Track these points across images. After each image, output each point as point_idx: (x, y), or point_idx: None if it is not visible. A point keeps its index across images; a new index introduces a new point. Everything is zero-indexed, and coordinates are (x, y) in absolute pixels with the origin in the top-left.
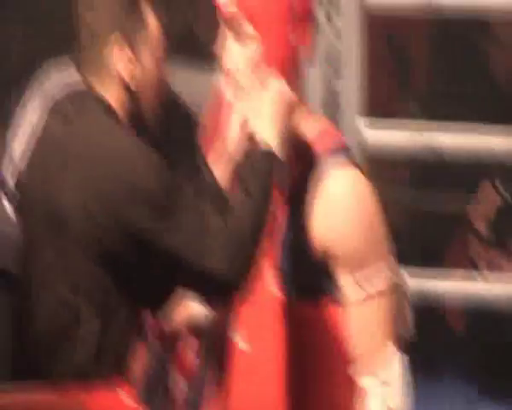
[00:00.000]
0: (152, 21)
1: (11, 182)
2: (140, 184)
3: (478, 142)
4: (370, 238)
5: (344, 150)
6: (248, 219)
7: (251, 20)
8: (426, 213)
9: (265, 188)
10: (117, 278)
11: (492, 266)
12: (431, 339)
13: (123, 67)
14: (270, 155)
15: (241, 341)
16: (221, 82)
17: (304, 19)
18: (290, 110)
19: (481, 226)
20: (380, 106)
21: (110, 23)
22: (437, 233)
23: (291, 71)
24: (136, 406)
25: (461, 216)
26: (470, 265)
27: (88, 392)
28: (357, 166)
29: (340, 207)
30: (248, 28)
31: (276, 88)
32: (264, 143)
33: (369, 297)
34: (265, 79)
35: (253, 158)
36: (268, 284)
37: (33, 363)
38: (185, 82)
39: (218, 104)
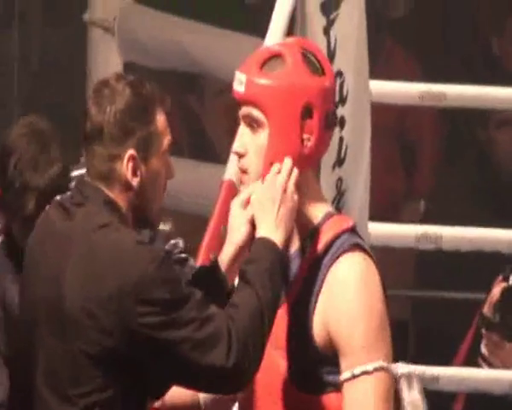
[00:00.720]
0: (161, 124)
1: None
2: (142, 282)
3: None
4: (373, 326)
5: (354, 235)
6: (253, 313)
7: (263, 107)
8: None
9: (269, 280)
10: (121, 378)
11: (498, 351)
12: None
13: (134, 177)
14: (272, 247)
15: None
16: (231, 174)
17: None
18: (294, 201)
19: (489, 312)
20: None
21: (125, 140)
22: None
23: (301, 165)
24: None
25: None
26: (482, 360)
27: None
28: (366, 251)
29: (350, 291)
30: (259, 114)
31: (282, 183)
32: (265, 235)
33: (359, 377)
34: (273, 173)
35: (256, 250)
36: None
37: None
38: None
39: (226, 196)
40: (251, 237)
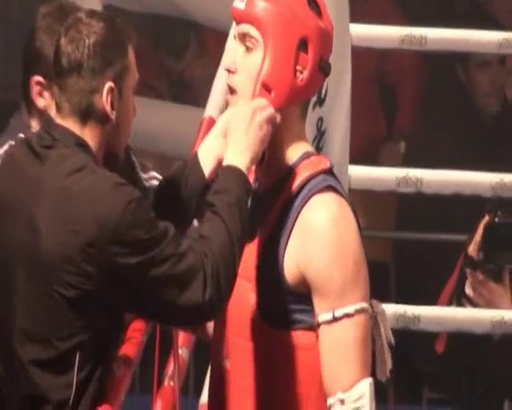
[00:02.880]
0: (133, 60)
1: None
2: (120, 225)
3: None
4: (348, 267)
5: (330, 176)
6: (224, 247)
7: (260, 28)
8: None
9: (238, 211)
10: (100, 319)
11: (482, 289)
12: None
13: (112, 110)
14: (238, 175)
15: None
16: (212, 111)
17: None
18: (269, 131)
19: (473, 252)
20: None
21: (105, 72)
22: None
23: (287, 96)
24: None
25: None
26: (466, 300)
27: None
28: (340, 193)
29: (320, 233)
30: (256, 34)
31: (262, 105)
32: (232, 159)
33: (340, 320)
34: (257, 95)
35: (223, 179)
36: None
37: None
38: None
39: (206, 132)
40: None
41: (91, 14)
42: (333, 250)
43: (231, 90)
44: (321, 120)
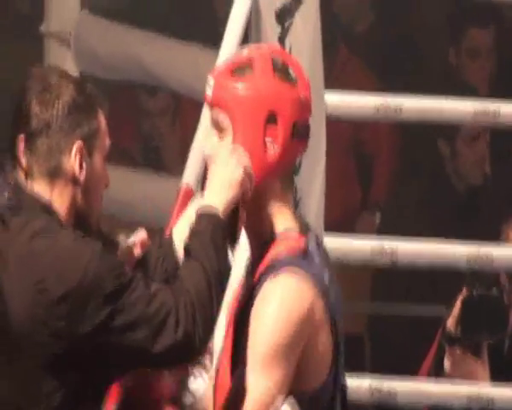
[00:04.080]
0: (103, 123)
1: None
2: (86, 280)
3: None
4: (274, 348)
5: (298, 258)
6: (199, 284)
7: (227, 112)
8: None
9: (214, 250)
10: (72, 379)
11: (460, 364)
12: None
13: (81, 171)
14: (213, 215)
15: None
16: (189, 179)
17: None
18: (245, 187)
19: (451, 326)
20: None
21: (73, 133)
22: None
23: (261, 171)
24: None
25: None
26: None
27: None
28: (304, 275)
29: (261, 311)
30: (224, 119)
31: (239, 150)
32: (208, 200)
33: None
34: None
35: (198, 222)
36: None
37: None
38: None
39: (184, 201)
40: None
41: (62, 76)
42: (266, 328)
43: None
44: (295, 188)
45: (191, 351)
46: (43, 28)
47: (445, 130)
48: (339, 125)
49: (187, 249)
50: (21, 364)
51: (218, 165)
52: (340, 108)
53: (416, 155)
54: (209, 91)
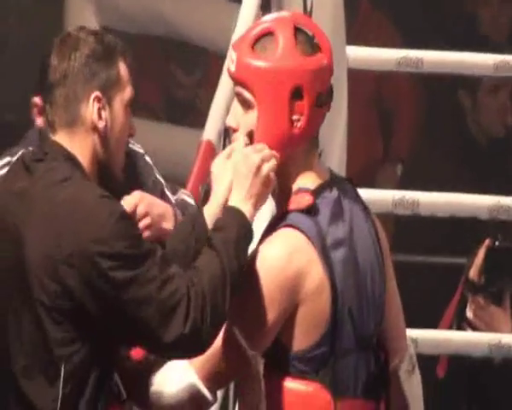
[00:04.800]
0: (124, 74)
1: None
2: (101, 237)
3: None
4: (252, 302)
5: (302, 216)
6: (213, 279)
7: (252, 89)
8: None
9: (235, 249)
10: (88, 331)
11: (482, 313)
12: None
13: (99, 119)
14: (240, 218)
15: None
16: (210, 135)
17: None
18: (263, 182)
19: (474, 276)
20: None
21: (91, 82)
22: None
23: (286, 145)
24: None
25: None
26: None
27: None
28: (301, 231)
29: (253, 263)
30: (249, 96)
31: (269, 156)
32: (236, 203)
33: None
34: (247, 151)
35: (225, 218)
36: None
37: None
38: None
39: (204, 155)
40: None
41: (81, 29)
42: (250, 284)
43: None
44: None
45: (197, 345)
46: None
47: (467, 81)
48: (361, 80)
49: (209, 241)
50: (35, 310)
51: (248, 173)
52: (362, 61)
53: (438, 108)
54: (232, 67)
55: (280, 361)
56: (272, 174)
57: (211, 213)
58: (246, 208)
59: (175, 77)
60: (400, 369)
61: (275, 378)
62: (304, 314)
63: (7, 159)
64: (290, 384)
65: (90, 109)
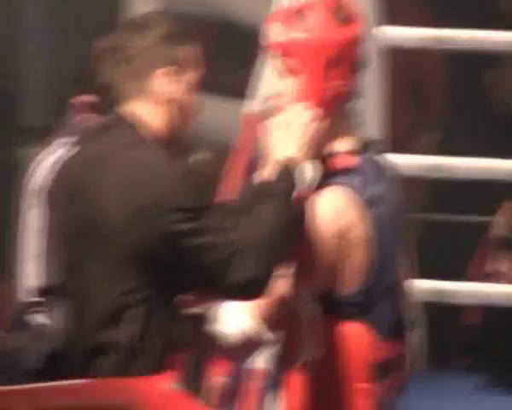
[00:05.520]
0: (193, 53)
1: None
2: (171, 193)
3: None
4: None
5: (346, 174)
6: (271, 228)
7: (293, 58)
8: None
9: (287, 199)
10: (158, 278)
11: (509, 266)
12: (446, 333)
13: (167, 92)
14: (289, 168)
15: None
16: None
17: (346, 66)
18: (313, 135)
19: (498, 231)
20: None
21: (161, 58)
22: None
23: (325, 109)
24: (182, 392)
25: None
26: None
27: (134, 382)
28: (350, 192)
29: (316, 222)
30: (292, 63)
31: (303, 114)
32: (285, 159)
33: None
34: (300, 108)
35: (280, 169)
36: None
37: (82, 363)
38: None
39: (251, 127)
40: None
41: (156, 12)
42: (309, 236)
43: (281, 109)
44: (360, 111)
45: (256, 288)
46: None
47: (489, 58)
48: (397, 57)
49: (266, 192)
50: (113, 258)
51: (300, 127)
52: (396, 39)
53: (467, 80)
54: (273, 38)
55: (330, 305)
56: (320, 129)
57: (268, 171)
58: (299, 159)
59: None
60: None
61: (325, 320)
62: (350, 263)
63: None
64: (338, 325)
65: (159, 82)
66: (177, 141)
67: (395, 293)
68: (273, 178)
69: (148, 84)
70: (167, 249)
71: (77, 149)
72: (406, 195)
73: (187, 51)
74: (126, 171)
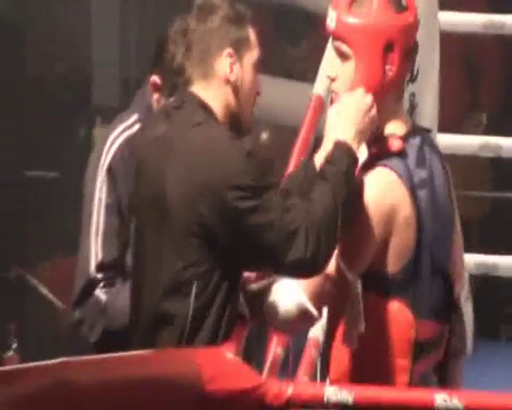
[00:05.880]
0: (252, 36)
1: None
2: (232, 171)
3: None
4: (355, 232)
5: (393, 158)
6: (328, 208)
7: (350, 43)
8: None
9: (345, 182)
10: (218, 254)
11: None
12: (493, 306)
13: (231, 73)
14: (350, 153)
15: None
16: (319, 90)
17: (398, 52)
18: (370, 121)
19: None
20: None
21: (224, 40)
22: None
23: (379, 92)
24: (240, 362)
25: None
26: None
27: (195, 352)
28: (394, 171)
29: (362, 202)
30: (347, 49)
31: (362, 100)
32: (345, 140)
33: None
34: (357, 93)
35: (336, 152)
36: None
37: (145, 335)
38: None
39: (315, 108)
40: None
41: None
42: (355, 216)
43: (334, 93)
44: (413, 94)
45: (314, 267)
46: None
47: None
48: (451, 41)
49: (323, 173)
50: (174, 234)
51: (356, 113)
52: (452, 25)
53: None
54: (332, 24)
55: (374, 283)
56: (376, 115)
57: (325, 153)
58: (354, 143)
59: (283, 49)
60: (461, 295)
61: (369, 298)
62: (395, 243)
63: (125, 124)
64: (381, 302)
65: (224, 64)
66: (239, 121)
67: (445, 274)
68: (330, 160)
69: (212, 66)
70: (228, 226)
71: (146, 129)
72: (462, 174)
73: (247, 33)
74: (191, 149)
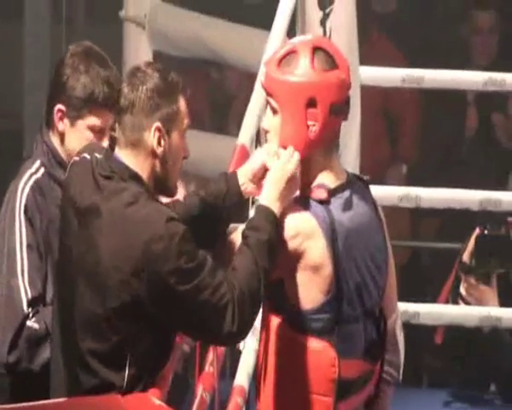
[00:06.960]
0: (182, 106)
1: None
2: (166, 255)
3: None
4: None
5: (317, 204)
6: (250, 277)
7: (276, 99)
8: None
9: (267, 250)
10: (146, 325)
11: (474, 291)
12: (415, 351)
13: (159, 146)
14: (273, 219)
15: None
16: (243, 139)
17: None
18: (294, 185)
19: (467, 259)
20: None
21: (154, 114)
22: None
23: (304, 146)
24: (165, 407)
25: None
26: (460, 299)
27: (123, 397)
28: (313, 217)
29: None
30: (275, 104)
31: (287, 163)
32: (268, 205)
33: None
34: (284, 154)
35: (259, 218)
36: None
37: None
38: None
39: (238, 158)
40: (263, 172)
41: (149, 65)
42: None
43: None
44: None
45: (242, 334)
46: (122, 14)
47: (498, 102)
48: (371, 94)
49: (245, 240)
50: (104, 308)
51: (282, 178)
52: (372, 79)
53: (435, 119)
54: (263, 79)
55: (293, 320)
56: (299, 178)
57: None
58: (277, 209)
59: (211, 77)
60: (396, 325)
61: (289, 335)
62: (307, 279)
63: (30, 171)
64: (301, 341)
65: (152, 137)
66: (166, 186)
67: (372, 315)
68: (252, 226)
69: (141, 137)
70: (160, 307)
71: (71, 187)
72: (389, 224)
73: (177, 106)
74: (124, 231)
